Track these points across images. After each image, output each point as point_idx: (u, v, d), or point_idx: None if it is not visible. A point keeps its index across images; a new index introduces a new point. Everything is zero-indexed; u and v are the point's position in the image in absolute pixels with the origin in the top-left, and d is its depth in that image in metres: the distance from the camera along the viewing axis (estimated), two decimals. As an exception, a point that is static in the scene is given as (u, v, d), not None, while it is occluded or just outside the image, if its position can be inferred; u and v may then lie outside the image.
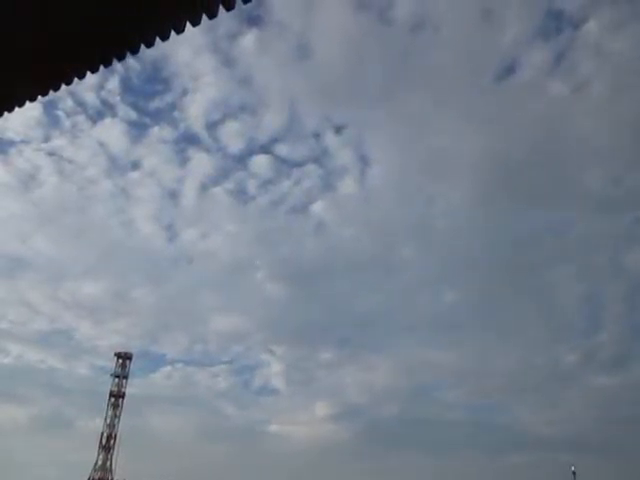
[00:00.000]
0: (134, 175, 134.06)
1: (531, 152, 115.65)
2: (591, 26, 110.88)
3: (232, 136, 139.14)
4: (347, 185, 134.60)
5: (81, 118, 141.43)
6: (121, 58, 5.37)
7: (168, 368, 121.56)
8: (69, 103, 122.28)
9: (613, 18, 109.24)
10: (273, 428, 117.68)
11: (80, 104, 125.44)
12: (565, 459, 68.89)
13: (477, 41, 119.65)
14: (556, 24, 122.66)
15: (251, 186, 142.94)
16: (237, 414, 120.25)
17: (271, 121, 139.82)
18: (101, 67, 5.44)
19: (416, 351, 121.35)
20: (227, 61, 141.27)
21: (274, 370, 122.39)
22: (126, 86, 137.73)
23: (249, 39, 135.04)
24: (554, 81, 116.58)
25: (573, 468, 48.17)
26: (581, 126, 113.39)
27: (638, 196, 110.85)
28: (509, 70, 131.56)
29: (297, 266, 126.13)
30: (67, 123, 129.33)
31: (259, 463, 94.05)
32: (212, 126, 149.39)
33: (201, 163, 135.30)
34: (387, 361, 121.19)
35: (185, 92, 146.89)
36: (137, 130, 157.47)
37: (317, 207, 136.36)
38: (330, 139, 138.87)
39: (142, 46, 5.21)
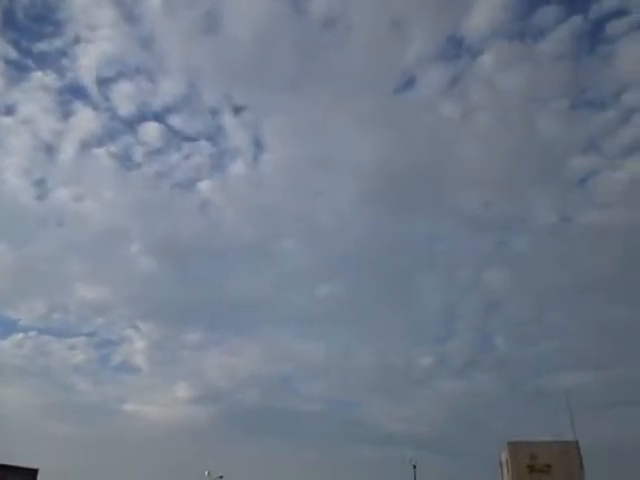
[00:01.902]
0: (6, 120, 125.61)
1: (418, 165, 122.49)
2: (486, 59, 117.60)
3: (124, 97, 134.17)
4: (238, 167, 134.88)
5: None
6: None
7: (20, 335, 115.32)
8: None
9: (506, 55, 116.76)
10: (129, 407, 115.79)
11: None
12: (410, 454, 74.64)
13: (383, 49, 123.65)
14: (456, 50, 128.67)
15: (137, 153, 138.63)
16: (91, 390, 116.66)
17: (168, 89, 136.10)
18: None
19: (284, 341, 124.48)
20: (129, 17, 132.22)
21: (137, 347, 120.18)
22: (8, 19, 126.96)
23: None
24: (447, 103, 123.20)
25: (414, 462, 51.82)
26: (465, 149, 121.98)
27: (503, 222, 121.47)
28: (408, 84, 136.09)
29: (175, 243, 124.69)
30: None
31: (109, 442, 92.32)
32: (103, 83, 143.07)
33: (86, 120, 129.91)
34: (254, 348, 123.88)
35: (77, 40, 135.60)
36: (16, 71, 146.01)
37: (204, 185, 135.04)
38: (227, 118, 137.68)
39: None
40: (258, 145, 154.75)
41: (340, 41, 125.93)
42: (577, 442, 51.82)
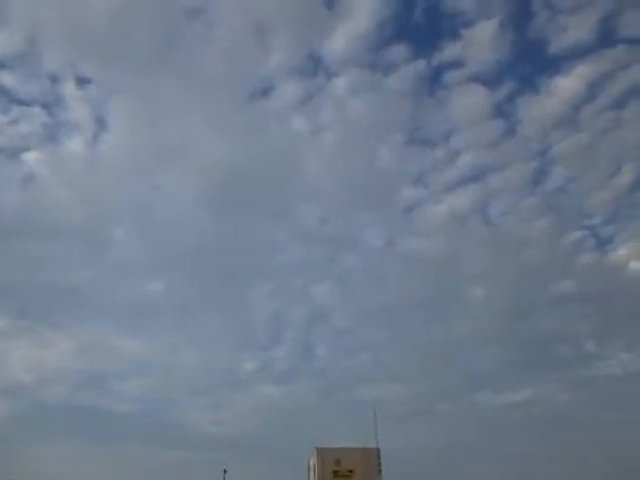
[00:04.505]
0: None
1: (264, 174, 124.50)
2: (340, 82, 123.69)
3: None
4: (75, 144, 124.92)
5: None
6: None
7: None
8: None
9: (358, 82, 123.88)
10: None
11: None
12: (224, 457, 75.74)
13: (244, 52, 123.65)
14: (313, 68, 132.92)
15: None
16: None
17: (2, 40, 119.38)
18: None
19: (104, 335, 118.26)
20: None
21: None
22: None
23: None
24: (299, 117, 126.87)
25: (225, 467, 52.57)
26: (309, 165, 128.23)
27: (335, 239, 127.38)
28: (265, 92, 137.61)
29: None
30: None
31: None
32: None
33: None
34: (69, 340, 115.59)
35: None
36: None
37: (32, 157, 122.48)
38: (69, 89, 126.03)
39: None
40: (100, 124, 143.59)
41: (202, 35, 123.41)
42: (378, 449, 56.13)
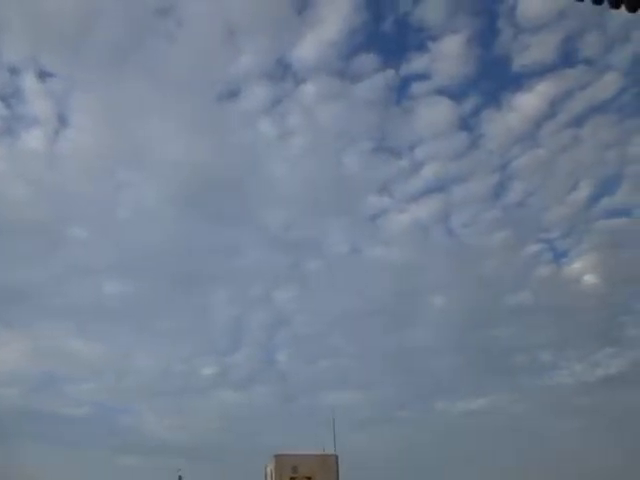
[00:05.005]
0: None
1: (230, 176, 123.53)
2: (308, 88, 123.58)
3: None
4: (34, 139, 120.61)
5: None
6: None
7: None
8: None
9: (326, 89, 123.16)
10: None
11: None
12: (180, 463, 74.93)
13: (213, 53, 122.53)
14: (282, 73, 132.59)
15: None
16: None
17: None
18: None
19: (57, 337, 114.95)
20: None
21: None
22: None
23: None
24: (266, 121, 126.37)
25: (179, 472, 51.89)
26: (276, 169, 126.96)
27: (299, 245, 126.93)
28: (232, 94, 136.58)
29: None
30: None
31: None
32: None
33: None
34: (20, 342, 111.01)
35: None
36: None
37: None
38: (30, 82, 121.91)
39: None
40: (62, 119, 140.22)
41: (171, 34, 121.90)
42: (336, 456, 55.97)
